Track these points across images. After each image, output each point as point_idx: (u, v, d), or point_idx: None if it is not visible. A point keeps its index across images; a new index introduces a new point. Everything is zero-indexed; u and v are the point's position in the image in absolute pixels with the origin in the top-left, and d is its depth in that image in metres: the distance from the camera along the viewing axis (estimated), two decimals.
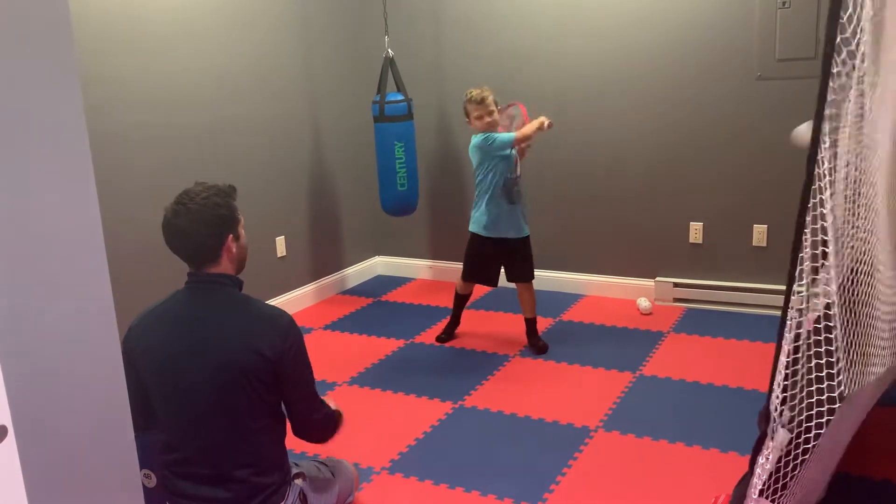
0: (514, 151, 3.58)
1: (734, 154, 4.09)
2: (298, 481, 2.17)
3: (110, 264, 1.35)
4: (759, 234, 4.12)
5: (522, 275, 3.75)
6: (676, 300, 4.35)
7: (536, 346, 3.76)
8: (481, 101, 3.54)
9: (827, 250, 1.73)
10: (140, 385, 2.04)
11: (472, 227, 3.75)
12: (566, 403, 3.21)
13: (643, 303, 4.29)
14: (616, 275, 4.53)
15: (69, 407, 1.28)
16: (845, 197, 1.77)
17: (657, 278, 4.41)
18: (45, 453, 1.24)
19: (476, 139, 3.60)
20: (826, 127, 1.68)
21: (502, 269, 3.80)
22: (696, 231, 4.28)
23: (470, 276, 3.83)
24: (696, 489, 2.54)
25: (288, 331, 2.04)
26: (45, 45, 1.19)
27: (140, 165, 3.52)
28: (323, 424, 2.17)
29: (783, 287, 4.42)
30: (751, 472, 1.91)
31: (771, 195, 4.05)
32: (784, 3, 3.80)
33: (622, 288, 4.50)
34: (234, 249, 2.06)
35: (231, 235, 2.04)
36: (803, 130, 2.55)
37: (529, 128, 3.49)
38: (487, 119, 3.56)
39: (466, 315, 4.06)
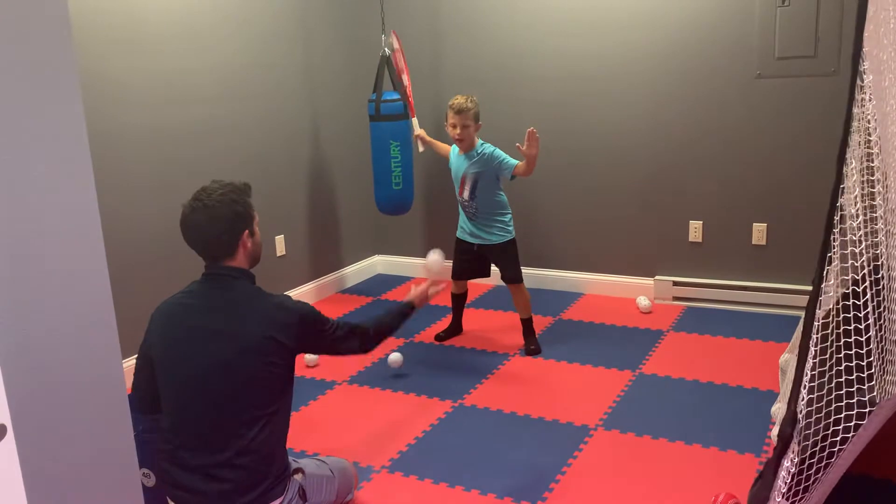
0: (462, 174, 3.63)
1: (734, 152, 4.09)
2: (298, 477, 2.18)
3: (109, 264, 1.36)
4: (759, 232, 4.12)
5: (506, 277, 3.79)
6: (676, 299, 4.35)
7: (528, 348, 3.76)
8: (459, 111, 3.53)
9: (856, 250, 1.71)
10: (153, 370, 2.13)
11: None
12: (566, 402, 3.21)
13: (643, 301, 4.29)
14: (616, 273, 4.53)
15: (69, 407, 1.28)
16: (872, 194, 1.74)
17: (657, 277, 4.41)
18: (45, 453, 1.24)
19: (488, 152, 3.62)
20: (853, 126, 1.67)
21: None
22: (695, 229, 4.28)
23: (453, 273, 3.89)
24: (696, 488, 2.54)
25: (297, 312, 2.14)
26: (45, 45, 1.19)
27: (138, 165, 3.52)
28: (363, 344, 2.35)
29: (783, 285, 4.43)
30: (773, 475, 1.88)
31: (770, 193, 4.05)
32: (784, 2, 3.80)
33: (622, 286, 4.50)
34: (248, 245, 2.14)
35: (246, 231, 2.12)
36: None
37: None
38: (454, 131, 3.56)
39: (466, 314, 4.06)
